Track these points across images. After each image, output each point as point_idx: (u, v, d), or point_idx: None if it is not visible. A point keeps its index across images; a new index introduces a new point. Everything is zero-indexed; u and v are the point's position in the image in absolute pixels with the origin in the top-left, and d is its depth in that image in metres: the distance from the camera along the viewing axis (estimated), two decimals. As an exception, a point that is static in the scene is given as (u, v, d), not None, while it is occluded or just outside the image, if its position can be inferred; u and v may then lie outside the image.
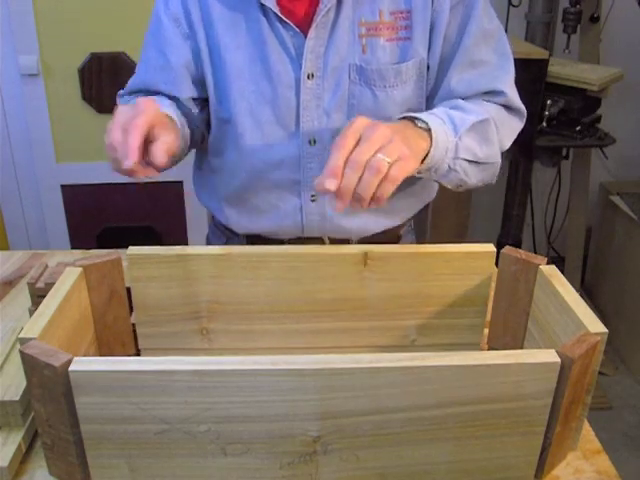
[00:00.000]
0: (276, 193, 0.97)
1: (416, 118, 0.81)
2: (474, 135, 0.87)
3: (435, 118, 0.83)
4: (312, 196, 0.96)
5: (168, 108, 0.90)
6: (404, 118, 0.82)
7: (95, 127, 2.16)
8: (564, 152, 2.23)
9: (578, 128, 2.00)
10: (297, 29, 0.89)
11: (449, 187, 0.92)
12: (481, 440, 0.62)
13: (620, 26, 2.35)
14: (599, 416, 2.05)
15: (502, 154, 0.95)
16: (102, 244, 2.30)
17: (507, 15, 2.29)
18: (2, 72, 2.12)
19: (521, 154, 2.12)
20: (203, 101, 0.99)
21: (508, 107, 0.96)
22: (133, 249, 0.79)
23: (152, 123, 0.74)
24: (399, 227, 1.07)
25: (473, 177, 0.90)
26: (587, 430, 0.74)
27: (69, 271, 0.74)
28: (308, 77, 0.90)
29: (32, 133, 2.17)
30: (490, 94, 0.94)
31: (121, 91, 1.03)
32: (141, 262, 0.78)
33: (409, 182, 0.94)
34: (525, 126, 0.98)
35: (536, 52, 1.94)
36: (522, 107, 0.97)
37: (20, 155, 2.24)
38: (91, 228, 2.31)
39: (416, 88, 0.93)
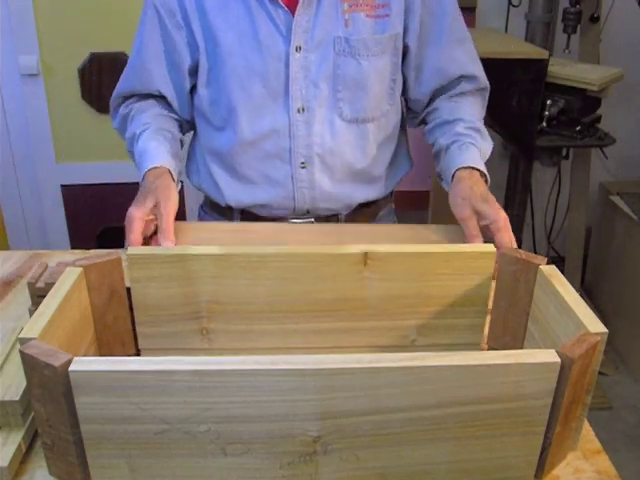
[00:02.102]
0: (269, 163, 1.03)
1: (479, 170, 0.98)
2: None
3: (479, 157, 1.00)
4: (302, 163, 1.02)
5: (165, 156, 1.00)
6: (472, 168, 0.97)
7: (95, 127, 2.16)
8: (564, 152, 2.23)
9: (578, 128, 2.00)
10: (285, 7, 0.96)
11: None
12: (481, 440, 0.62)
13: (620, 26, 2.35)
14: (599, 416, 2.05)
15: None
16: (102, 244, 2.30)
17: (507, 15, 2.29)
18: (2, 72, 2.12)
19: (521, 154, 2.12)
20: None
21: (481, 89, 1.11)
22: (133, 249, 0.79)
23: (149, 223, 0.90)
24: (381, 201, 1.14)
25: None
26: (587, 430, 0.74)
27: (69, 271, 0.74)
28: (296, 49, 0.97)
29: (32, 133, 2.17)
30: (469, 79, 1.08)
31: (114, 95, 1.10)
32: (141, 262, 0.78)
33: (386, 153, 1.09)
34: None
35: (536, 52, 1.94)
36: (487, 83, 1.12)
37: (20, 155, 2.25)
38: (91, 228, 2.32)
39: (391, 60, 1.03)
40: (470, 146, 1.00)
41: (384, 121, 1.05)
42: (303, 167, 1.02)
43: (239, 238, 0.94)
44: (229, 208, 1.09)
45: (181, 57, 1.02)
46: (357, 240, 0.89)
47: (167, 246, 0.84)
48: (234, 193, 1.06)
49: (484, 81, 1.10)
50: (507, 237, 0.86)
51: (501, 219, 0.86)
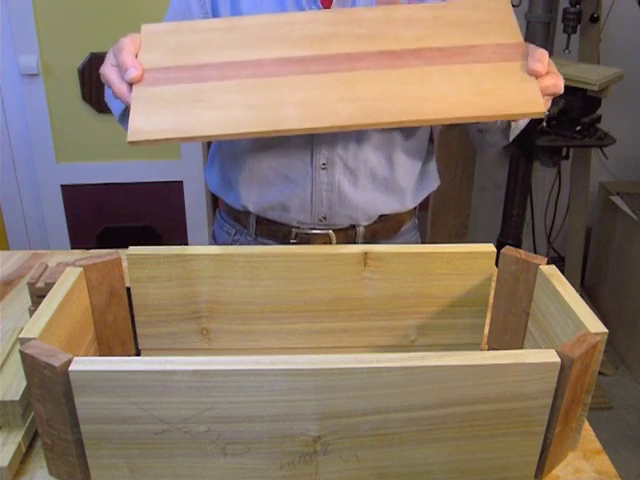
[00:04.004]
0: (288, 162, 1.00)
1: None
2: None
3: None
4: (323, 164, 0.98)
5: None
6: None
7: (95, 127, 2.16)
8: (564, 152, 2.23)
9: (578, 128, 2.00)
10: (319, 4, 0.94)
11: None
12: (481, 440, 0.62)
13: (620, 26, 2.35)
14: (599, 416, 2.05)
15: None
16: (102, 244, 2.31)
17: (507, 15, 2.29)
18: (2, 72, 2.12)
19: (521, 154, 2.12)
20: None
21: None
22: (133, 249, 0.79)
23: (135, 48, 0.81)
24: (404, 215, 1.09)
25: None
26: (587, 430, 0.74)
27: (69, 271, 0.74)
28: None
29: (32, 133, 2.17)
30: None
31: None
32: (141, 262, 0.78)
33: (414, 164, 1.05)
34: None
35: (536, 52, 1.94)
36: None
37: (20, 155, 2.25)
38: (91, 228, 2.32)
39: None
40: None
41: (413, 130, 1.02)
42: (324, 168, 0.99)
43: (230, 37, 0.82)
44: (245, 213, 1.06)
45: None
46: (373, 29, 0.82)
47: (131, 73, 0.78)
48: (250, 194, 1.03)
49: None
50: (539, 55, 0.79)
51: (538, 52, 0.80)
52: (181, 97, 0.77)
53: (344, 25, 0.82)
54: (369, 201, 1.02)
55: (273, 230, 1.05)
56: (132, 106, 0.76)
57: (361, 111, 0.75)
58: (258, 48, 0.81)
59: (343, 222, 1.03)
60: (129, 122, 0.75)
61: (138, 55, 0.81)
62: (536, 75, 0.78)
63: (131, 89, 0.78)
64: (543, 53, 0.80)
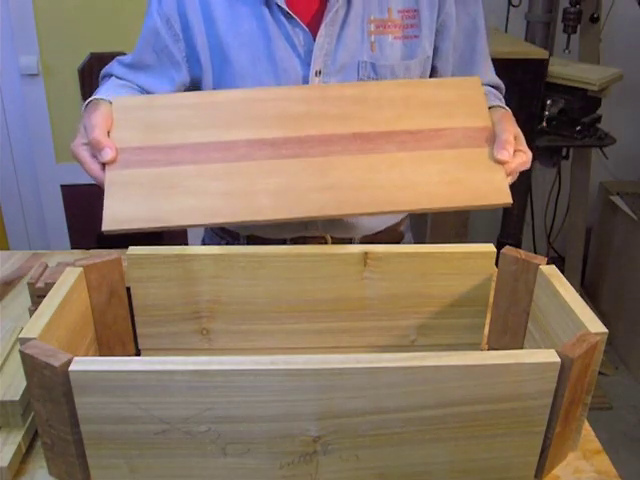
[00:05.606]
0: None
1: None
2: None
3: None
4: None
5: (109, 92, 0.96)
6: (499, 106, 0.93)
7: (95, 127, 2.17)
8: (564, 152, 2.23)
9: (578, 128, 2.00)
10: (306, 27, 0.89)
11: None
12: (481, 440, 0.62)
13: (620, 26, 2.35)
14: (599, 416, 2.05)
15: None
16: (102, 244, 2.30)
17: (507, 15, 2.29)
18: (2, 72, 2.12)
19: (521, 154, 2.12)
20: None
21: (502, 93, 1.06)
22: (133, 249, 0.79)
23: (107, 125, 0.80)
24: (399, 224, 1.09)
25: None
26: (587, 430, 0.74)
27: (69, 271, 0.74)
28: (316, 74, 0.90)
29: (32, 133, 2.17)
30: (495, 88, 1.04)
31: (105, 69, 1.04)
32: (141, 262, 0.78)
33: None
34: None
35: (536, 52, 1.94)
36: (504, 87, 1.07)
37: (20, 155, 2.25)
38: (91, 228, 2.31)
39: None
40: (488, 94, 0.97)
41: None
42: None
43: (202, 115, 0.81)
44: (236, 232, 1.04)
45: (177, 72, 0.95)
46: (345, 109, 0.81)
47: (107, 154, 0.77)
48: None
49: (503, 86, 1.06)
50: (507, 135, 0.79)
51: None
52: (155, 182, 0.77)
53: (317, 104, 0.82)
54: (364, 221, 1.01)
55: (267, 242, 1.01)
56: (106, 192, 0.77)
57: (333, 201, 0.77)
58: (230, 128, 0.81)
59: (339, 235, 1.01)
60: (104, 208, 0.75)
61: (110, 133, 0.80)
62: (502, 163, 0.79)
63: (104, 168, 0.78)
64: (508, 139, 0.79)
